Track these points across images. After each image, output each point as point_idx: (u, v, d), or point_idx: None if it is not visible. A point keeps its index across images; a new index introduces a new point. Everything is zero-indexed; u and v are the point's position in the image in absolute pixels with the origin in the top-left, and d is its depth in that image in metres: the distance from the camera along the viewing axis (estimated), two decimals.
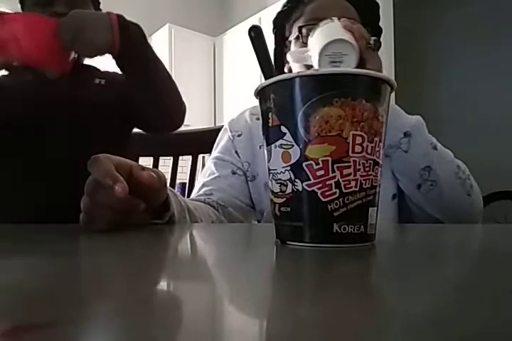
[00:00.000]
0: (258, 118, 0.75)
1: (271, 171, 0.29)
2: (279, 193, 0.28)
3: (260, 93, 0.29)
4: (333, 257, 0.24)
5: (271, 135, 0.28)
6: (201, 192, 0.69)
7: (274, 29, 0.75)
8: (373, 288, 0.17)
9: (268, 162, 0.29)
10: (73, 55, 0.72)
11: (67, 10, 0.80)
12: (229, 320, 0.12)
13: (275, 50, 0.75)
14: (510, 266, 0.22)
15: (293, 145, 0.27)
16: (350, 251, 0.25)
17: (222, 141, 0.78)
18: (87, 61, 0.94)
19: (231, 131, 0.77)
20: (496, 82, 2.43)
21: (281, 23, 0.73)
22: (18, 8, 0.87)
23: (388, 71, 2.59)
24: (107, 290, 0.16)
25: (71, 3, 0.82)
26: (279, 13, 0.74)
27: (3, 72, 0.73)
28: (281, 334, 0.11)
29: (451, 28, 2.61)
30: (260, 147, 0.72)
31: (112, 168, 0.36)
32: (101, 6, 0.92)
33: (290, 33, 0.70)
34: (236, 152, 0.74)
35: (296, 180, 0.27)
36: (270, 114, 0.28)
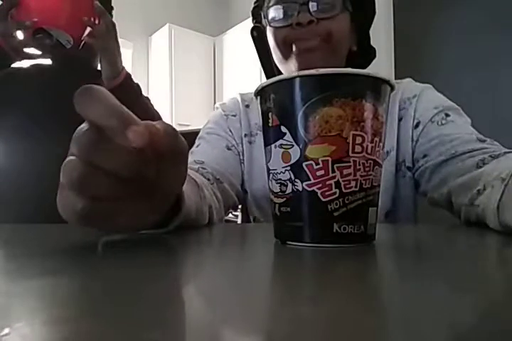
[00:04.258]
0: (248, 106, 0.74)
1: (271, 171, 0.29)
2: (279, 193, 0.28)
3: (260, 93, 0.29)
4: (333, 257, 0.24)
5: (271, 135, 0.28)
6: (191, 159, 0.62)
7: (253, 20, 0.72)
8: (373, 288, 0.17)
9: (268, 162, 0.29)
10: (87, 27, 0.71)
11: None
12: (228, 320, 0.12)
13: (256, 40, 0.70)
14: (510, 266, 0.22)
15: (293, 145, 0.27)
16: (350, 251, 0.25)
17: (213, 117, 0.74)
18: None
19: (224, 111, 0.74)
20: (496, 81, 2.44)
21: (257, 12, 0.70)
22: None
23: (388, 71, 2.59)
24: (109, 293, 0.16)
25: None
26: (255, 1, 0.71)
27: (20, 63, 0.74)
28: (280, 335, 0.11)
29: (452, 28, 2.61)
30: (245, 135, 0.71)
31: (117, 103, 0.23)
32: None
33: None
34: (230, 130, 0.71)
35: (296, 180, 0.27)
36: (270, 114, 0.28)
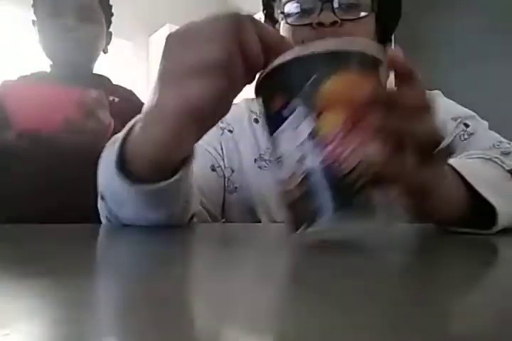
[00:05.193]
0: (257, 121, 0.64)
1: (279, 159, 0.28)
2: (293, 176, 0.26)
3: (264, 79, 0.29)
4: (347, 257, 0.24)
5: (277, 119, 0.27)
6: None
7: (263, 10, 0.65)
8: (386, 286, 0.17)
9: (274, 151, 0.28)
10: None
11: (78, 22, 0.82)
12: (241, 321, 0.12)
13: None
14: (508, 265, 0.22)
15: (303, 122, 0.26)
16: (363, 252, 0.25)
17: None
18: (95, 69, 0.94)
19: (221, 122, 0.62)
20: (497, 81, 2.44)
21: (269, 4, 0.62)
22: (23, 7, 0.89)
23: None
24: (116, 289, 0.16)
25: (82, 14, 0.83)
26: None
27: None
28: (293, 334, 0.11)
29: (452, 28, 2.61)
30: (255, 160, 0.61)
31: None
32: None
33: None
34: (221, 148, 0.62)
35: (310, 158, 0.25)
36: (275, 98, 0.27)
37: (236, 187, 0.61)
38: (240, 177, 0.61)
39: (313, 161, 0.25)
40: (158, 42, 3.16)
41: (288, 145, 0.27)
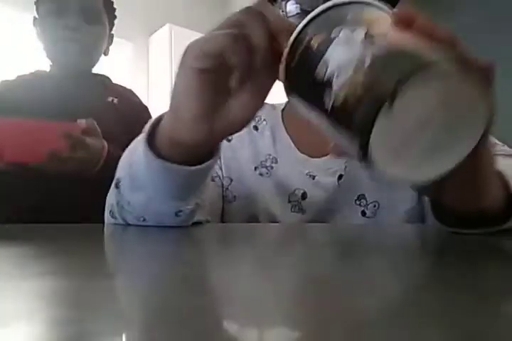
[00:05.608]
0: (256, 128, 0.63)
1: (331, 78, 0.24)
2: (354, 77, 0.23)
3: (299, 36, 0.27)
4: (347, 257, 0.24)
5: (317, 56, 0.25)
6: None
7: None
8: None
9: (321, 81, 0.25)
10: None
11: (81, 22, 0.81)
12: (244, 320, 0.12)
13: None
14: (508, 265, 0.22)
15: (352, 35, 0.25)
16: (363, 252, 0.25)
17: None
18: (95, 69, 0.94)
19: None
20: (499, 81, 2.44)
21: (269, 2, 0.62)
22: (20, 8, 0.88)
23: None
24: (116, 289, 0.16)
25: (85, 14, 0.82)
26: None
27: None
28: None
29: (452, 29, 2.61)
30: (255, 168, 0.60)
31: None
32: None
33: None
34: (219, 157, 0.59)
35: (370, 55, 0.23)
36: (314, 38, 0.26)
37: (235, 196, 0.60)
38: (239, 186, 0.60)
39: (376, 58, 0.22)
40: (158, 42, 3.15)
41: (340, 60, 0.24)
